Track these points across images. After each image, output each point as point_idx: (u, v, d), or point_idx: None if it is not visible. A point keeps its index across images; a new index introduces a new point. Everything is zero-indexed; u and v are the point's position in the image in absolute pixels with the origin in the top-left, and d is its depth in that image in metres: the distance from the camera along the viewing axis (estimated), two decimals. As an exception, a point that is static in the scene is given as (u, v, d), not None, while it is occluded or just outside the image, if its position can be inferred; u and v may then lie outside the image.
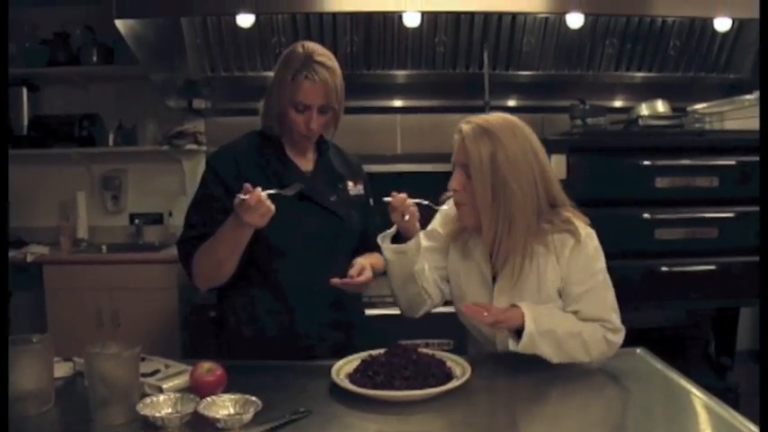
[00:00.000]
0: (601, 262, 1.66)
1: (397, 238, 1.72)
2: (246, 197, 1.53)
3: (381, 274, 1.87)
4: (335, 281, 1.71)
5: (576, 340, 1.58)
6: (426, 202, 1.73)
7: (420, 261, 1.71)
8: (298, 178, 1.80)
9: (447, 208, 1.82)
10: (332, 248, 1.80)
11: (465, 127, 1.61)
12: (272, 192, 1.59)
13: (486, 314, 1.52)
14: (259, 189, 1.55)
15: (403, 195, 1.66)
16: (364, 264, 1.78)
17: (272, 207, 1.57)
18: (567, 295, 1.66)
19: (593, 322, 1.62)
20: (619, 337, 1.64)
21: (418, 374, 1.43)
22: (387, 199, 1.67)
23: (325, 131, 1.87)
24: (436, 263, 1.80)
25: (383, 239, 1.73)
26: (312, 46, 1.78)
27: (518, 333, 1.56)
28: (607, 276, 1.67)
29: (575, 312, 1.64)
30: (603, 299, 1.65)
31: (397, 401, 1.38)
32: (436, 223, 1.84)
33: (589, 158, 1.82)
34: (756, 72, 3.81)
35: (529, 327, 1.53)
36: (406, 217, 1.64)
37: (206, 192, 1.80)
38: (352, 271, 1.74)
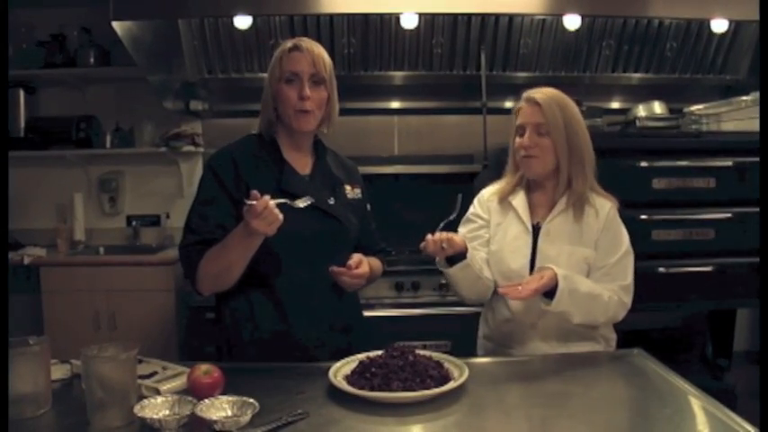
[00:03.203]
0: (626, 232, 1.90)
1: None
2: (254, 203, 1.53)
3: (379, 277, 1.89)
4: (334, 269, 1.74)
5: (597, 301, 1.77)
6: (451, 218, 1.83)
7: (477, 262, 1.88)
8: (295, 181, 1.80)
9: (484, 194, 2.03)
10: (330, 252, 1.80)
11: (538, 96, 1.85)
12: (281, 201, 1.59)
13: (520, 289, 1.68)
14: (267, 197, 1.55)
15: (430, 237, 1.74)
16: (363, 258, 1.81)
17: (281, 216, 1.57)
18: (599, 251, 1.85)
19: (612, 284, 1.81)
20: (630, 299, 1.84)
21: (416, 376, 1.43)
22: (423, 246, 1.75)
23: (322, 122, 1.85)
24: (483, 237, 1.98)
25: (442, 266, 1.87)
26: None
27: (544, 294, 1.72)
28: (630, 244, 1.88)
29: (600, 268, 1.83)
30: (628, 265, 1.85)
31: (395, 403, 1.38)
32: (477, 208, 2.03)
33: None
34: (752, 73, 3.82)
35: (562, 285, 1.70)
36: (445, 245, 1.74)
37: (205, 195, 1.79)
38: (351, 262, 1.77)
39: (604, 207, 1.87)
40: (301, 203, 1.65)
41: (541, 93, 1.86)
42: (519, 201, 1.94)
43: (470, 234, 1.99)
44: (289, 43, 1.79)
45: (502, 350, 1.94)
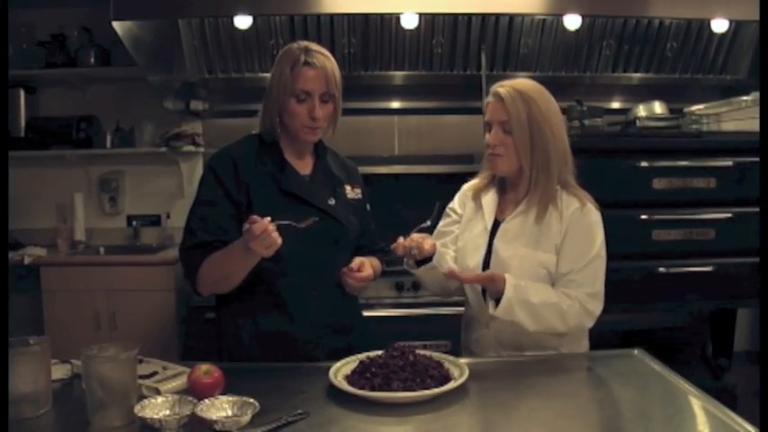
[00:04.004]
0: (600, 234, 1.78)
1: None
2: (252, 226, 1.52)
3: (379, 276, 1.91)
4: (342, 270, 1.75)
5: (553, 310, 1.70)
6: (425, 225, 1.82)
7: (447, 261, 1.84)
8: (296, 182, 1.80)
9: (464, 187, 2.01)
10: (331, 252, 1.80)
11: (502, 90, 1.77)
12: (283, 223, 1.58)
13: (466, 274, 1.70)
14: (267, 220, 1.53)
15: (401, 241, 1.74)
16: (364, 260, 1.81)
17: (279, 240, 1.56)
18: (562, 256, 1.75)
19: (575, 291, 1.71)
20: (597, 306, 1.74)
21: (416, 376, 1.43)
22: (393, 247, 1.75)
23: (328, 128, 1.85)
24: (452, 233, 1.95)
25: (409, 267, 1.87)
26: (307, 42, 1.81)
27: (497, 301, 1.68)
28: (603, 248, 1.77)
29: (565, 274, 1.73)
30: (597, 270, 1.75)
31: (395, 403, 1.38)
32: (455, 202, 2.01)
33: (586, 160, 1.84)
34: (753, 73, 3.82)
35: (508, 293, 1.66)
36: (414, 251, 1.74)
37: (205, 195, 1.79)
38: (353, 265, 1.78)
39: (570, 207, 1.77)
40: (303, 224, 1.64)
41: (507, 86, 1.77)
42: (488, 198, 1.89)
43: (444, 228, 1.97)
44: (302, 56, 1.74)
45: (467, 346, 1.93)
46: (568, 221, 1.76)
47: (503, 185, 1.90)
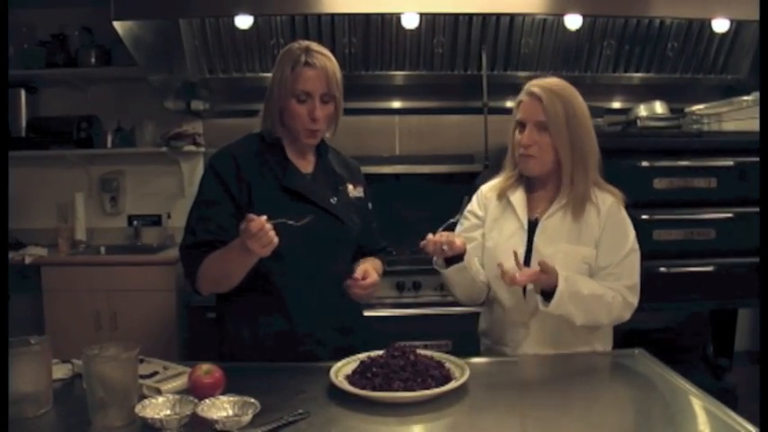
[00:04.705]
0: (632, 227, 1.84)
1: None
2: (249, 224, 1.52)
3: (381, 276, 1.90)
4: (348, 282, 1.74)
5: (600, 302, 1.72)
6: (453, 220, 1.81)
7: (474, 264, 1.84)
8: (298, 180, 1.80)
9: (483, 189, 1.98)
10: (332, 251, 1.80)
11: (539, 91, 1.77)
12: (279, 221, 1.57)
13: (517, 276, 1.63)
14: (263, 218, 1.52)
15: (431, 237, 1.72)
16: (367, 267, 1.80)
17: (275, 240, 1.55)
18: (601, 250, 1.79)
19: (615, 284, 1.75)
20: (636, 299, 1.78)
21: (417, 376, 1.43)
22: (423, 244, 1.73)
23: (328, 129, 1.85)
24: (476, 240, 1.92)
25: (438, 266, 1.84)
26: (308, 42, 1.81)
27: (543, 295, 1.68)
28: (636, 241, 1.83)
29: (604, 268, 1.77)
30: (634, 263, 1.80)
31: (396, 403, 1.38)
32: (474, 205, 1.98)
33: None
34: (754, 73, 3.82)
35: (561, 285, 1.65)
36: (445, 248, 1.72)
37: (206, 194, 1.79)
38: (357, 274, 1.76)
39: (606, 203, 1.81)
40: (299, 222, 1.63)
41: (544, 86, 1.78)
42: (517, 197, 1.88)
43: (465, 234, 1.94)
44: (302, 56, 1.74)
45: (498, 348, 1.91)
46: (606, 216, 1.80)
47: (530, 183, 1.90)
